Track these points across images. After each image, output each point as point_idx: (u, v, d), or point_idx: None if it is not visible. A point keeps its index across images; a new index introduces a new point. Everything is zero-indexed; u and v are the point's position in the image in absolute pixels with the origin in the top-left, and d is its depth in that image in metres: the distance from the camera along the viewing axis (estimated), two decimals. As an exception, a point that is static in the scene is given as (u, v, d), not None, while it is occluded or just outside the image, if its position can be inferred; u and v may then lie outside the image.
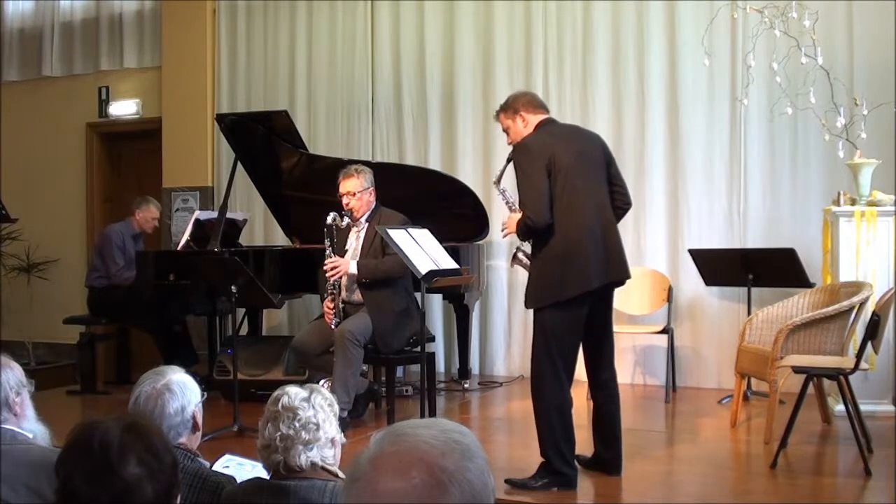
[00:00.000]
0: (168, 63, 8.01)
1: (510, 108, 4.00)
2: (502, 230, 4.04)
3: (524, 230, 3.84)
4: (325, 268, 4.95)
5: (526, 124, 3.95)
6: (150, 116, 8.17)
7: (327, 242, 4.96)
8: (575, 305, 3.79)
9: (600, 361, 4.01)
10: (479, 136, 6.86)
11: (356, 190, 5.00)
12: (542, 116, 3.98)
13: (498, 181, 4.18)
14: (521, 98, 4.05)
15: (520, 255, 4.08)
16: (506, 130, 4.03)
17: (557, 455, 3.78)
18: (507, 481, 3.80)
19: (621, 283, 4.01)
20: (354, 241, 5.11)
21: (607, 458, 3.99)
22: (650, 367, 6.28)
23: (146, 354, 6.46)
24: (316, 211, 5.33)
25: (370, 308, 4.94)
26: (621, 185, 4.06)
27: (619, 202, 4.03)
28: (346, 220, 5.00)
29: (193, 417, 2.42)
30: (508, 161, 4.04)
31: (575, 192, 3.80)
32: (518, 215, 3.88)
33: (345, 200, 5.01)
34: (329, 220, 4.94)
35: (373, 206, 5.09)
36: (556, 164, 3.78)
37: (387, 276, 4.91)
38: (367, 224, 5.06)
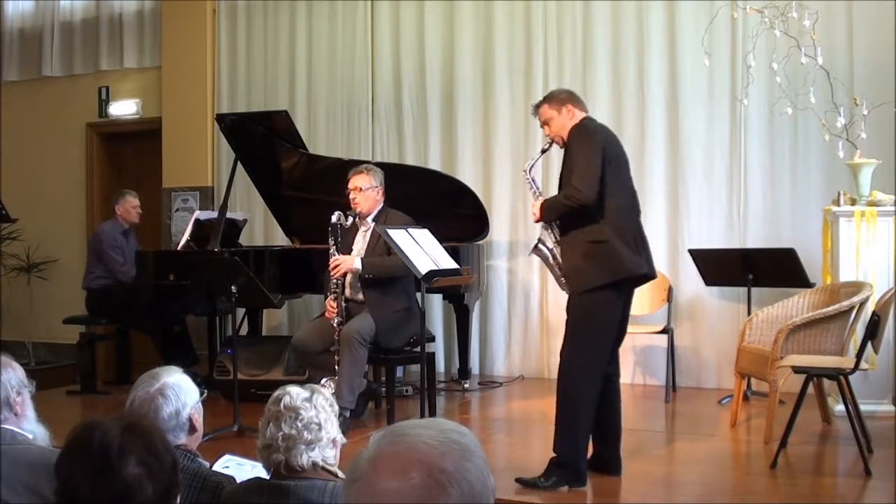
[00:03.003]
0: (168, 63, 8.01)
1: (556, 99, 4.05)
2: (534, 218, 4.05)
3: (563, 206, 3.84)
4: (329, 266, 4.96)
5: (572, 116, 3.99)
6: (150, 116, 8.17)
7: (331, 241, 4.96)
8: (622, 290, 3.88)
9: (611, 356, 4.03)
10: (479, 136, 6.86)
11: (363, 186, 5.01)
12: (585, 113, 4.05)
13: (530, 169, 4.17)
14: (566, 92, 4.14)
15: (540, 245, 4.04)
16: (546, 122, 4.04)
17: (574, 448, 3.79)
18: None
19: (653, 278, 4.10)
20: (361, 241, 5.12)
21: (608, 457, 3.99)
22: (650, 367, 6.28)
23: (146, 354, 6.46)
24: (316, 211, 5.34)
25: (373, 307, 4.94)
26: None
27: None
28: (351, 219, 5.00)
29: (190, 419, 2.41)
30: (543, 152, 4.16)
31: (624, 185, 3.93)
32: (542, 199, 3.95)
33: (352, 196, 5.03)
34: (334, 218, 4.94)
35: (380, 206, 5.10)
36: (609, 155, 3.86)
37: (390, 275, 4.91)
38: (373, 224, 5.07)
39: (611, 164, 3.84)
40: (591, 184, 3.76)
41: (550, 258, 4.00)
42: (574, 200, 3.80)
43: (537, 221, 4.02)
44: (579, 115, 3.99)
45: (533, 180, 4.14)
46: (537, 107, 4.09)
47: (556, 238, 3.98)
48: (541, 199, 3.97)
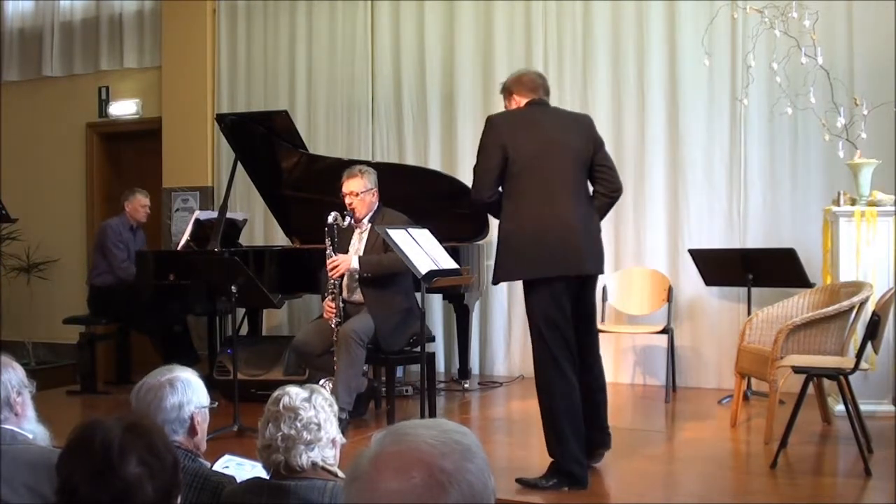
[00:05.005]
0: (168, 63, 8.01)
1: (506, 89, 4.06)
2: None
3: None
4: (327, 267, 4.96)
5: (517, 105, 3.98)
6: (150, 116, 8.17)
7: (328, 242, 4.96)
8: (550, 288, 3.75)
9: (585, 350, 3.95)
10: (478, 136, 6.81)
11: (359, 190, 5.00)
12: (531, 98, 3.97)
13: None
14: (517, 78, 4.06)
15: None
16: None
17: (567, 455, 3.75)
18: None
19: (592, 276, 3.97)
20: (357, 243, 5.12)
21: (598, 441, 3.96)
22: (650, 367, 6.28)
23: (146, 354, 6.46)
24: (316, 211, 5.33)
25: (372, 307, 4.93)
26: (608, 170, 3.96)
27: (603, 189, 3.95)
28: (348, 219, 5.00)
29: (192, 419, 2.41)
30: None
31: (535, 179, 3.78)
32: None
33: (347, 200, 5.02)
34: (330, 219, 4.94)
35: (375, 207, 5.10)
36: (515, 149, 3.79)
37: (389, 272, 4.91)
38: (369, 225, 5.06)
39: (514, 161, 3.76)
40: (482, 185, 3.81)
41: None
42: (471, 198, 3.87)
43: None
44: (522, 103, 3.96)
45: None
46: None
47: None
48: None
